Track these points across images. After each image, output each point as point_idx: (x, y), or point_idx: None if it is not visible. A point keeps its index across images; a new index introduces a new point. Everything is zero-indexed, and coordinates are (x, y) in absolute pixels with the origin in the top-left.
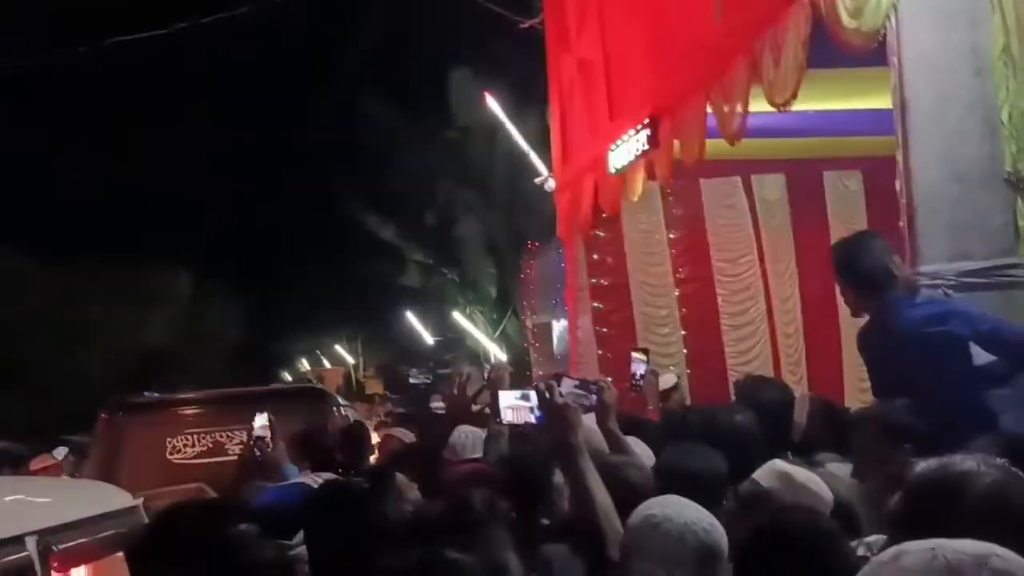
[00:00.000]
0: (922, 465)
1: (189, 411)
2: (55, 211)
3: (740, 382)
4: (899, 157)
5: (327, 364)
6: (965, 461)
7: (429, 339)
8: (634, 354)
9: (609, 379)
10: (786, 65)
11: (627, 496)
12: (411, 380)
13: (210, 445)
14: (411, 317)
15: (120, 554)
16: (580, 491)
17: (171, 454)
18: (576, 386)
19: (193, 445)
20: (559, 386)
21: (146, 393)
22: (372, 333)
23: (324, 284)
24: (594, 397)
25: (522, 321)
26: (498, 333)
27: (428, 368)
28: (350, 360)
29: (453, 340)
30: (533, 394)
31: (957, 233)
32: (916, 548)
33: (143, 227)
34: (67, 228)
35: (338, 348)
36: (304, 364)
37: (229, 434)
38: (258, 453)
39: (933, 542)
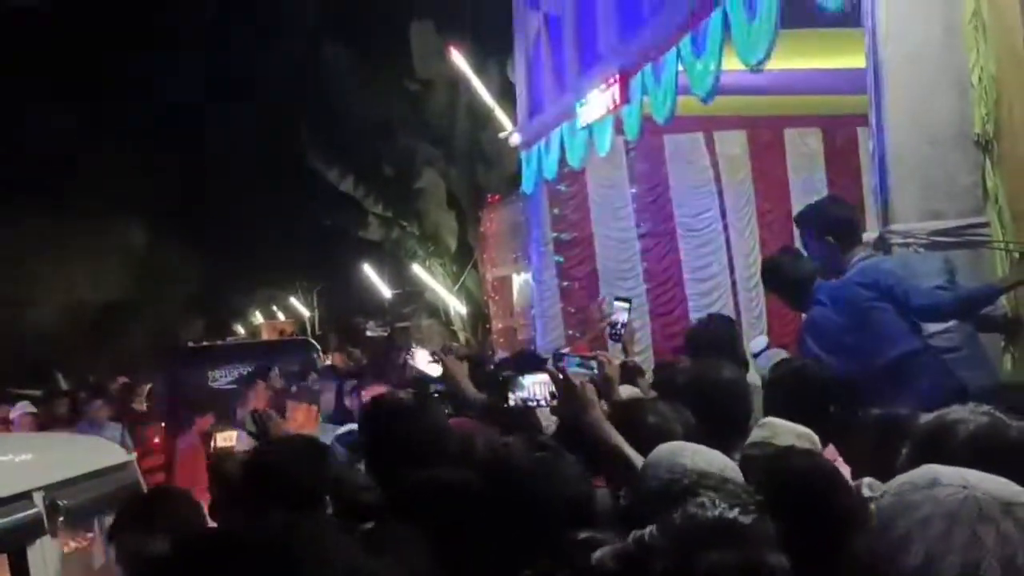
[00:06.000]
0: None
1: (220, 354)
2: None
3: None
4: (871, 117)
5: (281, 316)
6: (956, 411)
7: (387, 292)
8: (617, 303)
9: (609, 353)
10: (760, 24)
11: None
12: (368, 333)
13: (235, 376)
14: (369, 270)
15: None
16: (615, 455)
17: (211, 382)
18: (578, 363)
19: (225, 376)
20: (563, 363)
21: (190, 343)
22: (328, 286)
23: (279, 235)
24: (595, 372)
25: (482, 274)
26: (458, 286)
27: (386, 321)
28: (305, 313)
29: (412, 293)
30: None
31: (928, 192)
32: (949, 479)
33: (91, 178)
34: (7, 181)
35: (293, 301)
36: (258, 316)
37: (247, 369)
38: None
39: (965, 476)
